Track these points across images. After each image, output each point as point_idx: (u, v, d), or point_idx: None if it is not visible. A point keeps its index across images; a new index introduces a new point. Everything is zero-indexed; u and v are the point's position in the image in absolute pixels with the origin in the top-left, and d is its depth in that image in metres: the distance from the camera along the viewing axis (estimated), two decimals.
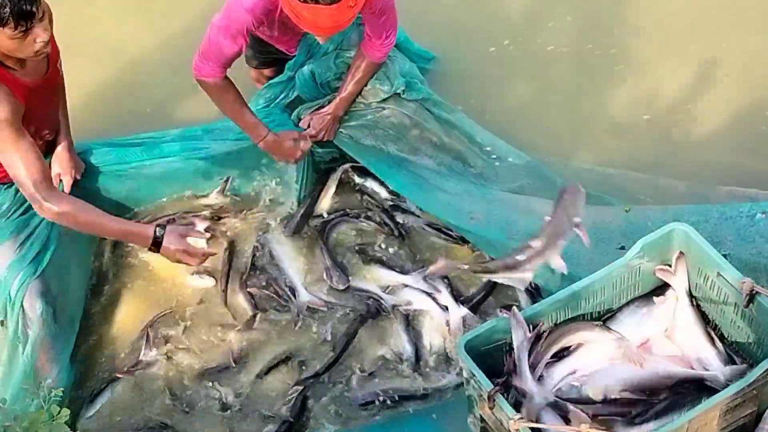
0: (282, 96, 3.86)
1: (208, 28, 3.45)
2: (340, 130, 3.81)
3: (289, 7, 3.14)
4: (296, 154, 3.70)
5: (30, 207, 3.31)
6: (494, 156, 3.89)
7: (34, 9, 2.91)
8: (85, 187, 3.68)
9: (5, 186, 3.43)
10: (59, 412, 2.66)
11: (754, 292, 2.82)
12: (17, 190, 3.33)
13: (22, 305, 3.36)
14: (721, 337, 3.04)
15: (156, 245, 3.27)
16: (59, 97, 3.51)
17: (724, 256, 2.95)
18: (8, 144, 3.09)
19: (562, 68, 4.47)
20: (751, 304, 2.86)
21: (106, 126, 4.23)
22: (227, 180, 3.90)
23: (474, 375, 2.78)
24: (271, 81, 3.90)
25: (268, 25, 3.48)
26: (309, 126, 3.75)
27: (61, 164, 3.57)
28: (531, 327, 2.90)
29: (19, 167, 3.11)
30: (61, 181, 3.57)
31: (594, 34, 4.57)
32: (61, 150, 3.56)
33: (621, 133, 4.21)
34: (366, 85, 3.76)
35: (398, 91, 3.77)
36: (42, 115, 3.34)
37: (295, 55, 3.81)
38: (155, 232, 3.26)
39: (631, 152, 4.11)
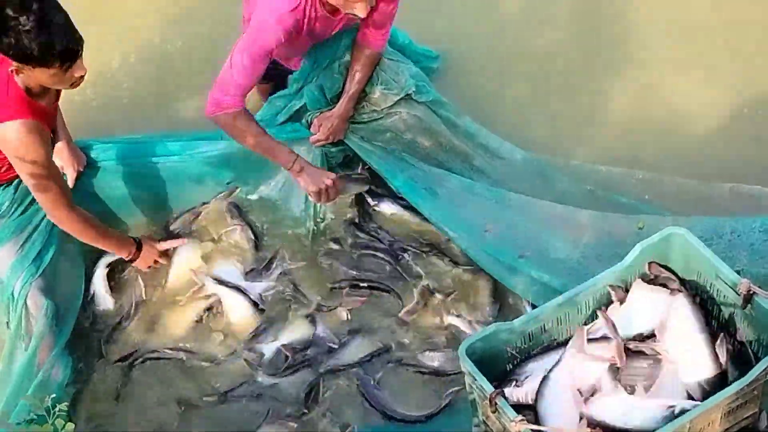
0: (287, 107, 3.86)
1: (229, 58, 3.44)
2: (352, 133, 3.82)
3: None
4: (324, 183, 3.61)
5: (30, 205, 3.45)
6: (499, 158, 3.92)
7: (78, 48, 2.99)
8: (87, 182, 3.73)
9: (4, 185, 3.46)
10: (64, 427, 2.69)
11: (751, 292, 2.84)
12: (16, 188, 3.43)
13: (25, 303, 3.43)
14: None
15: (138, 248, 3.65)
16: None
17: (738, 272, 2.94)
18: (46, 176, 3.22)
19: (562, 65, 4.48)
20: (748, 305, 2.88)
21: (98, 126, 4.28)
22: (233, 190, 3.92)
23: (475, 378, 2.81)
24: (278, 93, 3.90)
25: (297, 36, 3.49)
26: (319, 129, 3.75)
27: (62, 158, 3.61)
28: (530, 335, 2.96)
29: (46, 196, 3.28)
30: (64, 174, 3.60)
31: (594, 31, 4.59)
32: (61, 144, 3.59)
33: (623, 130, 4.21)
34: (371, 81, 3.77)
35: (409, 92, 3.79)
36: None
37: (296, 70, 3.83)
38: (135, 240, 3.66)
39: (634, 150, 4.11)
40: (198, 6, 4.85)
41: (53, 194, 3.27)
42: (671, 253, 3.06)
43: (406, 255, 3.75)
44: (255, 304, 3.64)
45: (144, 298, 3.72)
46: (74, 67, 3.02)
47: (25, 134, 3.09)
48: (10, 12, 2.85)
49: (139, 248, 3.65)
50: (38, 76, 3.02)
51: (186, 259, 3.78)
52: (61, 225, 3.39)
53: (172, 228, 3.89)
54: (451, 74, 4.39)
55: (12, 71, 3.02)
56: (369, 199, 3.90)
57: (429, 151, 3.88)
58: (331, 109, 3.77)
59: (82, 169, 3.69)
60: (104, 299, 3.72)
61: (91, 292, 3.71)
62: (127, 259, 3.66)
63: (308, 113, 3.82)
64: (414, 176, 3.80)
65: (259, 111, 3.93)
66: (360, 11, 3.33)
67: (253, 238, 3.83)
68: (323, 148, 3.81)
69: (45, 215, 3.44)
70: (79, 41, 2.99)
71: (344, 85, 3.77)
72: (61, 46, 2.92)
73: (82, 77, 3.09)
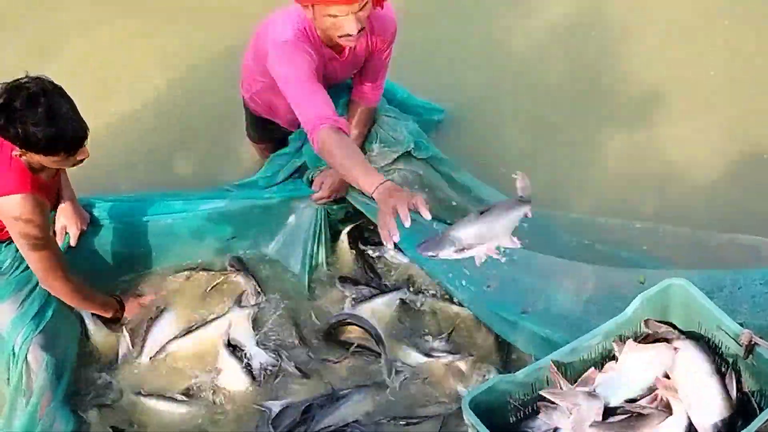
0: (287, 165, 3.90)
1: (292, 106, 3.28)
2: (352, 188, 3.79)
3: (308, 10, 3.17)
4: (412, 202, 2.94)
5: None
6: None
7: (84, 136, 3.07)
8: (90, 240, 3.74)
9: (5, 243, 3.49)
10: None
11: (753, 343, 2.85)
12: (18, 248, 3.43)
13: (26, 359, 3.44)
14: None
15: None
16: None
17: (739, 324, 2.95)
18: (42, 246, 3.28)
19: (561, 118, 4.52)
20: (750, 356, 2.88)
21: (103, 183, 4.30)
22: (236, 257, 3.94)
23: (478, 431, 2.80)
24: (278, 152, 3.94)
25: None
26: (321, 187, 3.77)
27: (66, 216, 3.63)
28: (533, 386, 2.96)
29: (40, 265, 3.34)
30: (67, 233, 3.64)
31: (592, 84, 4.64)
32: (65, 203, 3.61)
33: (622, 181, 4.25)
34: (370, 138, 3.80)
35: (408, 149, 3.81)
36: (51, 199, 3.43)
37: (294, 131, 3.87)
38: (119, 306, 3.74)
39: (633, 200, 4.15)
40: (200, 60, 4.90)
41: (48, 263, 3.34)
42: (672, 304, 3.07)
43: (410, 304, 3.77)
44: (252, 375, 3.62)
45: (131, 349, 3.72)
46: (78, 152, 3.10)
47: (24, 208, 3.16)
48: (17, 105, 2.92)
49: (122, 307, 3.75)
50: (42, 160, 3.10)
51: (169, 322, 3.79)
52: (52, 291, 3.47)
53: (170, 285, 3.89)
54: (449, 129, 4.42)
55: (16, 155, 3.09)
56: (370, 251, 3.93)
57: (429, 206, 3.88)
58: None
59: (85, 228, 3.70)
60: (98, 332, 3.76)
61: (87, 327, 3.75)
62: (111, 318, 3.75)
63: (309, 171, 3.85)
64: (415, 230, 3.79)
65: (260, 170, 3.98)
66: (350, 27, 3.17)
67: (259, 290, 3.82)
68: (325, 206, 3.83)
69: None
70: (85, 130, 3.06)
71: None
72: (68, 137, 3.00)
73: (83, 159, 3.16)
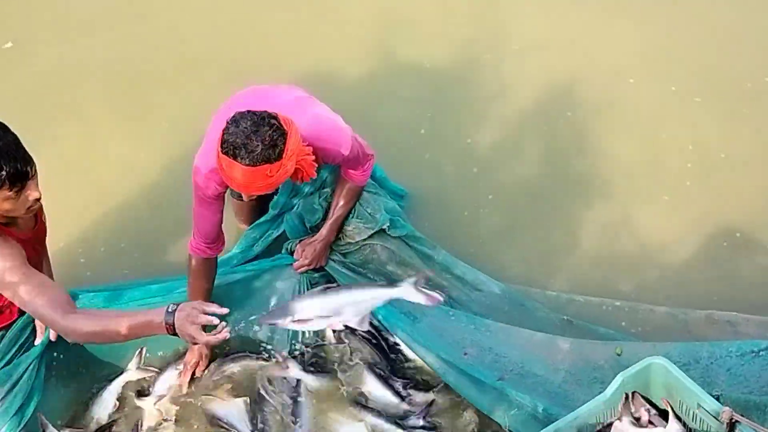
0: (266, 235, 3.94)
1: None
2: (332, 260, 3.88)
3: (216, 157, 3.16)
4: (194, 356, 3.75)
5: (13, 357, 3.43)
6: (477, 290, 3.97)
7: (28, 169, 2.97)
8: None
9: None
10: None
11: (734, 421, 2.86)
12: None
13: None
14: None
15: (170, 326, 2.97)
16: (44, 246, 3.56)
17: (716, 397, 2.97)
18: (23, 283, 3.07)
19: (533, 197, 4.56)
20: None
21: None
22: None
23: None
24: (257, 222, 3.98)
25: None
26: (303, 255, 3.81)
27: None
28: None
29: (34, 301, 3.05)
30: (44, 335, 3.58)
31: (563, 163, 4.70)
32: None
33: (596, 260, 4.27)
34: (352, 212, 3.85)
35: (384, 227, 3.87)
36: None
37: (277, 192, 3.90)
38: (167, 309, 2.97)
39: (608, 280, 4.17)
40: (183, 145, 4.83)
41: (38, 306, 3.06)
42: (652, 383, 3.08)
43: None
44: None
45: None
46: (27, 190, 3.01)
47: None
48: None
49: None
50: None
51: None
52: (66, 336, 3.07)
53: (167, 370, 3.86)
54: (425, 211, 4.43)
55: None
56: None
57: None
58: (312, 236, 3.85)
59: None
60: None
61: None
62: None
63: (288, 242, 3.91)
64: (393, 302, 3.82)
65: (236, 244, 3.99)
66: (244, 197, 3.36)
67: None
68: (306, 275, 3.85)
69: (28, 367, 3.46)
70: (28, 162, 2.97)
71: (325, 215, 3.86)
72: (9, 168, 2.91)
73: (37, 200, 3.06)
